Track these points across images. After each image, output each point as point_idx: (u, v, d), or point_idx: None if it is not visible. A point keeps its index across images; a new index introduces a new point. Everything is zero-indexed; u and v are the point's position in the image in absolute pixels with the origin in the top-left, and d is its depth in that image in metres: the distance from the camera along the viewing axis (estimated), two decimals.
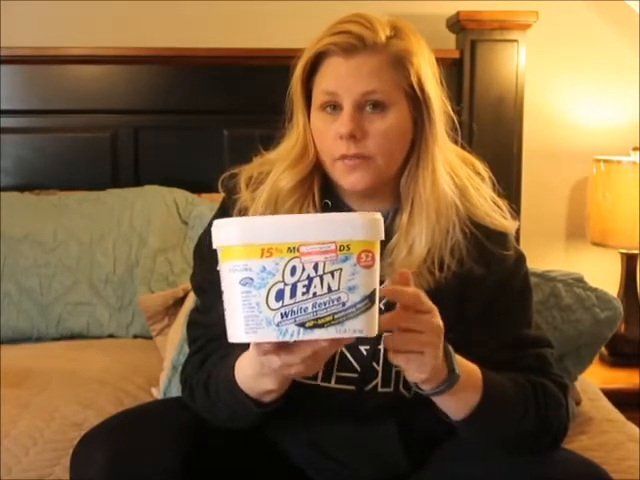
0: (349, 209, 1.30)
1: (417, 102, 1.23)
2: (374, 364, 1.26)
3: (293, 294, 0.95)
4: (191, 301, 1.86)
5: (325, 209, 1.29)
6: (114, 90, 2.51)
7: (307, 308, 0.95)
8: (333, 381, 1.26)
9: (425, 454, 1.29)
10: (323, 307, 0.95)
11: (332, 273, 0.95)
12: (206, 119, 2.52)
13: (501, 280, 1.27)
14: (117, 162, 2.51)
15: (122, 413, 1.30)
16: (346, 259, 0.95)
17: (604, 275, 2.45)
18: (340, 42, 1.19)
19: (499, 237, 1.28)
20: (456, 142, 1.32)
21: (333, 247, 0.95)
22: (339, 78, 1.21)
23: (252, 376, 1.13)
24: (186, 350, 1.38)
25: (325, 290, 0.95)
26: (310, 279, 0.95)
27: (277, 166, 1.28)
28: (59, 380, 1.85)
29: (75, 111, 2.50)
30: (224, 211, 1.32)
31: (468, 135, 2.35)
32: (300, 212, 1.27)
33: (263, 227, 0.96)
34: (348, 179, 1.23)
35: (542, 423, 1.21)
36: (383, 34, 1.21)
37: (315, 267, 0.95)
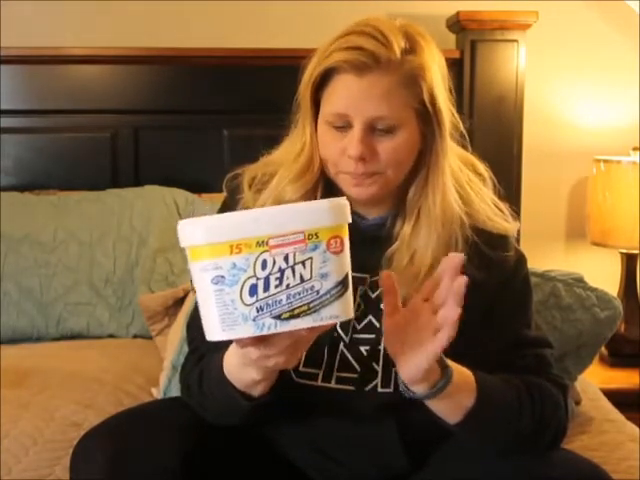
0: (354, 213, 1.29)
1: (427, 116, 1.21)
2: (374, 364, 1.26)
3: (266, 288, 0.95)
4: (191, 301, 1.86)
5: None
6: (114, 90, 2.51)
7: (281, 300, 0.95)
8: (333, 381, 1.26)
9: (425, 454, 1.29)
10: (297, 297, 0.95)
11: (303, 263, 0.95)
12: (206, 119, 2.53)
13: (501, 281, 1.27)
14: (117, 162, 2.51)
15: (122, 413, 1.30)
16: (315, 247, 0.95)
17: (604, 275, 2.45)
18: (352, 60, 1.15)
19: (500, 240, 1.27)
20: (465, 148, 1.31)
21: (302, 237, 0.95)
22: (350, 99, 1.17)
23: (236, 365, 1.13)
24: (186, 350, 1.38)
25: (298, 280, 0.95)
26: (282, 271, 0.95)
27: (281, 173, 1.27)
28: (59, 380, 1.85)
29: (75, 111, 2.50)
30: (226, 211, 1.32)
31: (468, 135, 2.35)
32: None
33: (229, 223, 0.96)
34: (354, 190, 1.22)
35: (538, 425, 1.21)
36: (398, 49, 1.16)
37: (286, 258, 0.95)
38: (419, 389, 1.13)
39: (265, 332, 0.96)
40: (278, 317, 0.96)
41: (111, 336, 2.19)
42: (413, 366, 1.09)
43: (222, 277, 0.95)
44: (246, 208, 1.28)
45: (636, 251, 2.51)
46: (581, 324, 1.75)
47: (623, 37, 2.65)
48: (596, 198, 2.53)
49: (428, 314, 1.09)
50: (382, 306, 1.25)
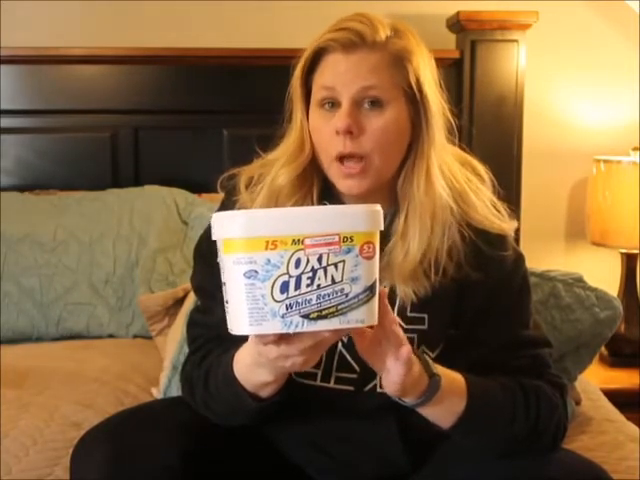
0: None
1: (415, 103, 1.23)
2: None
3: (297, 286, 0.95)
4: (191, 301, 1.86)
5: None
6: (114, 90, 2.51)
7: (311, 300, 0.96)
8: (332, 381, 1.26)
9: (425, 453, 1.29)
10: (327, 298, 0.96)
11: (335, 265, 0.96)
12: (206, 119, 2.53)
13: (499, 280, 1.27)
14: (117, 162, 2.51)
15: (122, 413, 1.30)
16: (349, 250, 0.96)
17: (604, 275, 2.45)
18: (340, 38, 1.20)
19: (498, 240, 1.28)
20: (454, 144, 1.32)
21: (337, 239, 0.95)
22: (338, 74, 1.20)
23: (249, 365, 1.13)
24: (186, 350, 1.38)
25: (329, 282, 0.96)
26: (314, 271, 0.95)
27: (275, 165, 1.28)
28: (59, 380, 1.85)
29: (75, 111, 2.50)
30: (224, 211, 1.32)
31: (468, 136, 2.35)
32: None
33: (267, 219, 0.96)
34: (345, 182, 1.23)
35: (534, 428, 1.21)
36: (383, 33, 1.21)
37: (319, 259, 0.95)
38: (407, 399, 1.14)
39: (292, 330, 0.97)
40: (306, 316, 0.96)
41: (111, 336, 2.19)
42: (392, 381, 1.11)
43: (255, 272, 0.95)
44: (243, 209, 1.28)
45: (636, 251, 2.51)
46: (581, 324, 1.75)
47: (623, 37, 2.65)
48: (596, 198, 2.53)
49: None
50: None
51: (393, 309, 1.25)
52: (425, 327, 1.26)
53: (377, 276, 0.99)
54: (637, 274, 2.57)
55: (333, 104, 1.22)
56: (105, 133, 2.51)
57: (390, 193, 1.28)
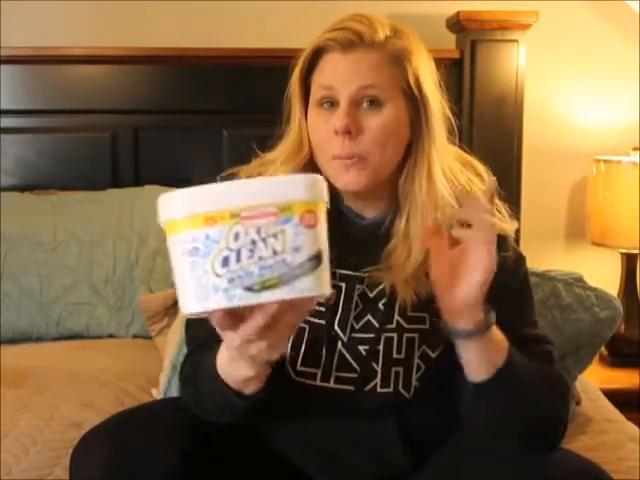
0: (349, 211, 1.30)
1: (415, 102, 1.23)
2: (373, 364, 1.25)
3: (238, 259, 0.95)
4: None
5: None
6: (114, 90, 2.51)
7: (253, 272, 0.95)
8: (332, 381, 1.26)
9: (425, 454, 1.29)
10: (269, 269, 0.95)
11: (275, 235, 0.95)
12: (206, 119, 2.52)
13: (500, 281, 1.26)
14: (117, 162, 2.51)
15: (122, 413, 1.30)
16: (288, 220, 0.95)
17: (604, 275, 2.45)
18: (338, 38, 1.20)
19: (498, 240, 1.27)
20: (454, 144, 1.32)
21: (274, 209, 0.94)
22: (336, 73, 1.20)
23: (228, 361, 1.13)
24: (185, 350, 1.38)
25: (270, 253, 0.95)
26: (254, 242, 0.94)
27: (273, 164, 1.29)
28: (59, 380, 1.85)
29: (75, 111, 2.50)
30: None
31: (468, 135, 2.35)
32: None
33: (203, 196, 0.96)
34: (342, 179, 1.22)
35: (554, 412, 1.22)
36: (382, 33, 1.21)
37: (258, 231, 0.94)
38: (460, 324, 1.13)
39: (236, 303, 0.95)
40: (250, 289, 0.95)
41: (111, 336, 2.19)
42: (460, 297, 1.11)
43: (197, 249, 0.95)
44: None
45: (636, 251, 2.51)
46: (581, 323, 1.75)
47: (623, 37, 2.65)
48: (596, 198, 2.53)
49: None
50: (380, 305, 1.25)
51: (394, 309, 1.25)
52: (426, 326, 1.26)
53: (324, 246, 0.97)
54: (637, 274, 2.57)
55: (332, 103, 1.22)
56: (105, 133, 2.51)
57: (391, 193, 1.28)
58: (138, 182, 2.47)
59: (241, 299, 0.95)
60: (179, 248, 0.96)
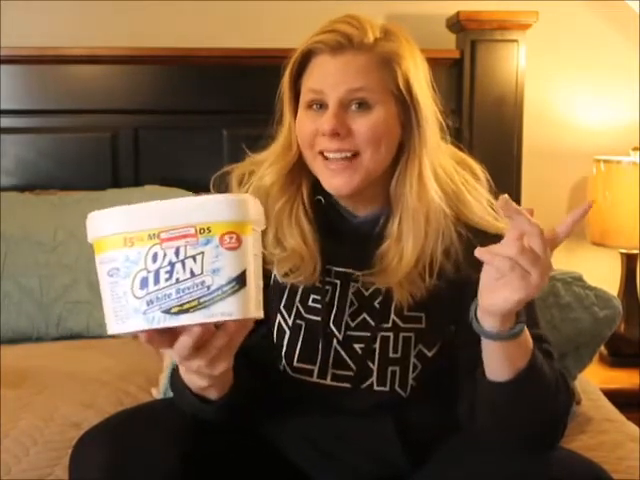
0: (342, 208, 1.30)
1: (405, 105, 1.22)
2: (369, 363, 1.26)
3: (157, 281, 0.94)
4: None
5: (318, 206, 1.28)
6: (114, 90, 2.51)
7: (171, 294, 0.94)
8: (329, 378, 1.26)
9: (424, 453, 1.29)
10: (187, 292, 0.94)
11: (194, 257, 0.93)
12: (206, 119, 2.52)
13: None
14: (117, 162, 2.51)
15: (121, 413, 1.30)
16: (207, 242, 0.93)
17: (604, 275, 2.45)
18: (327, 40, 1.19)
19: (496, 240, 1.26)
20: (459, 147, 1.31)
21: (193, 231, 0.93)
22: (325, 76, 1.20)
23: (184, 372, 1.12)
24: None
25: (188, 275, 0.94)
26: (172, 264, 0.94)
27: (263, 165, 1.29)
28: (59, 380, 1.85)
29: (75, 111, 2.50)
30: None
31: (468, 136, 2.35)
32: (291, 213, 1.26)
33: (124, 216, 0.96)
34: (332, 183, 1.22)
35: (561, 413, 1.21)
36: (372, 35, 1.20)
37: (177, 252, 0.93)
38: (490, 323, 1.10)
39: (155, 326, 0.94)
40: (167, 311, 0.94)
41: (111, 336, 2.18)
42: (497, 303, 1.07)
43: (117, 269, 0.95)
44: None
45: (636, 251, 2.51)
46: (580, 323, 1.75)
47: (623, 37, 2.65)
48: (596, 198, 2.53)
49: None
50: (376, 304, 1.25)
51: (390, 308, 1.25)
52: (423, 326, 1.26)
53: (248, 267, 0.95)
54: (637, 274, 2.57)
55: (321, 106, 1.22)
56: (105, 133, 2.51)
57: (383, 195, 1.27)
58: (138, 182, 2.47)
59: (160, 322, 0.94)
60: (104, 268, 0.96)
